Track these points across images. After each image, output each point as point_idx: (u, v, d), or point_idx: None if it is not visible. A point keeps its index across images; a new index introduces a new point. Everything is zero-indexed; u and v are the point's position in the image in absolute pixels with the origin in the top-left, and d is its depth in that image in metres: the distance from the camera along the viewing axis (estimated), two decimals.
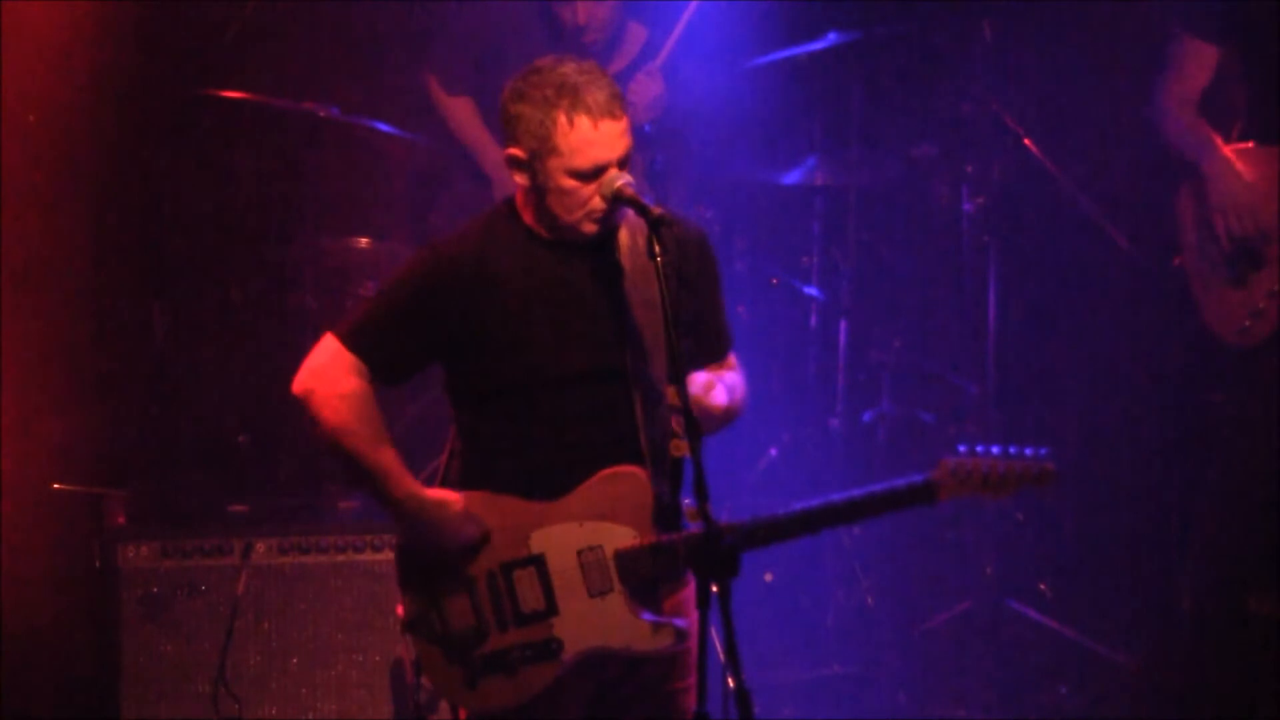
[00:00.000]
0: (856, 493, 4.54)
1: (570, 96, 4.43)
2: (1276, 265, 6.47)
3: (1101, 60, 7.81)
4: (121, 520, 6.40)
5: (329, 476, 6.82)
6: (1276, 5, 6.47)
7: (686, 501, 4.53)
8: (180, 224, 7.60)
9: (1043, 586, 7.55)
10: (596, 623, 4.52)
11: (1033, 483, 4.51)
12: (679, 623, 4.54)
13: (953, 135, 7.84)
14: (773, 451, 7.75)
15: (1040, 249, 7.92)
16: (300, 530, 6.27)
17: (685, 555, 4.49)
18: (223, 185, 7.64)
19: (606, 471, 4.54)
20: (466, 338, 4.56)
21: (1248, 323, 6.51)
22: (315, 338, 4.65)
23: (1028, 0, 7.79)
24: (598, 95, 4.43)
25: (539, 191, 4.52)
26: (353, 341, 4.57)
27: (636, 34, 7.50)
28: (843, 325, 7.86)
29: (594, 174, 4.45)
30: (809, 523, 4.53)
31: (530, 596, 4.54)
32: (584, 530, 4.53)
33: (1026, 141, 7.59)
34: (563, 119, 4.43)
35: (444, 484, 4.66)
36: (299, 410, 4.58)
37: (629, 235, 4.60)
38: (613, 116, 4.44)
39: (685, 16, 7.46)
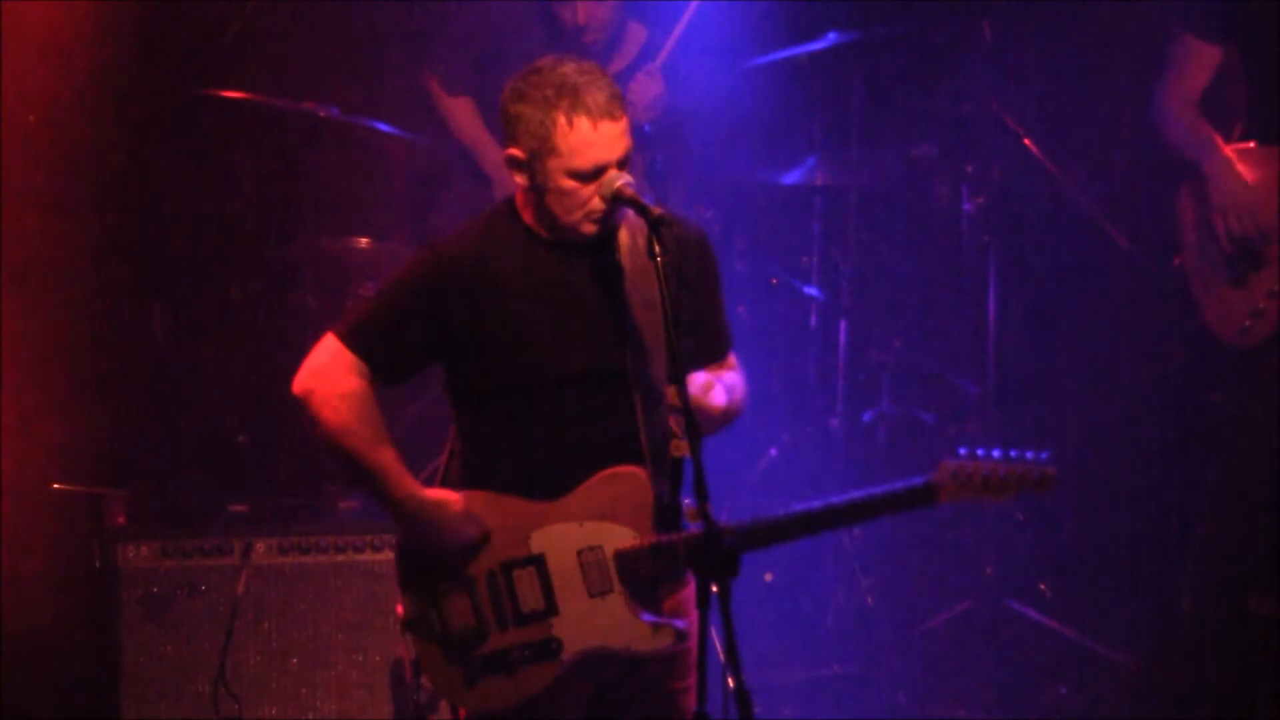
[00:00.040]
0: (856, 494, 4.54)
1: (570, 97, 4.43)
2: (1277, 265, 6.47)
3: (1101, 60, 7.81)
4: (121, 520, 6.40)
5: (329, 476, 6.82)
6: (1277, 5, 6.47)
7: (686, 501, 4.53)
8: (180, 224, 7.60)
9: (1043, 586, 7.55)
10: (596, 623, 4.52)
11: (1033, 486, 4.51)
12: (679, 623, 4.54)
13: (953, 135, 7.84)
14: (773, 451, 7.75)
15: (1040, 249, 7.92)
16: (300, 530, 6.27)
17: (685, 555, 4.49)
18: (223, 185, 7.64)
19: (606, 471, 4.54)
20: (466, 338, 4.56)
21: (1248, 323, 6.51)
22: (315, 338, 4.66)
23: (1028, 0, 7.79)
24: (597, 96, 4.43)
25: (538, 192, 4.52)
26: (353, 341, 4.57)
27: (636, 34, 7.50)
28: (843, 325, 7.86)
29: (593, 174, 4.45)
30: (809, 524, 4.53)
31: (530, 596, 4.54)
32: (584, 530, 4.53)
33: (1026, 141, 7.59)
34: (562, 119, 4.43)
35: (444, 484, 4.66)
36: (299, 410, 4.58)
37: (629, 235, 4.60)
38: (612, 117, 4.44)
39: (685, 16, 7.46)
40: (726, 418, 4.62)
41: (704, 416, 4.48)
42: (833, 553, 7.56)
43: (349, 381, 4.55)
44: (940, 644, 7.44)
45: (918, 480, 4.52)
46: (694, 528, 4.46)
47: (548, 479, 4.55)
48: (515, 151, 4.50)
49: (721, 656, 4.29)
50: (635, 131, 4.59)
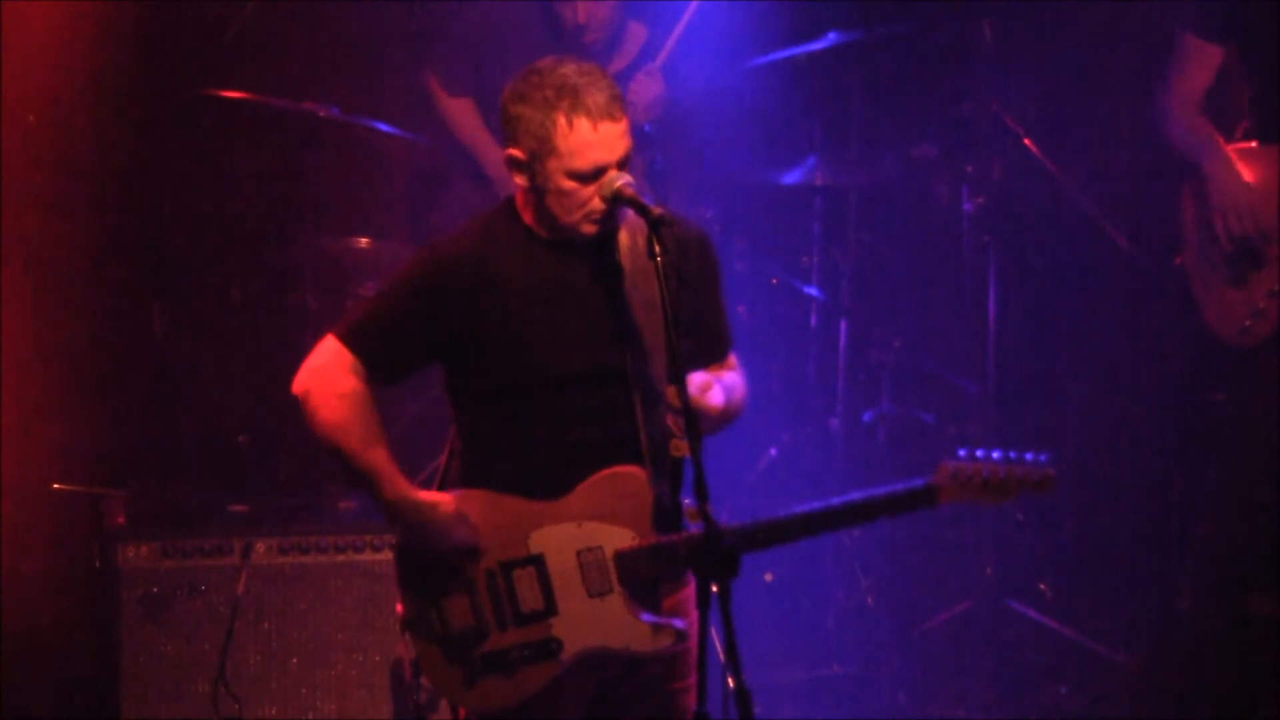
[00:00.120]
0: (856, 496, 4.54)
1: (570, 98, 4.43)
2: (1277, 265, 6.47)
3: (1101, 60, 7.81)
4: (121, 520, 6.39)
5: (329, 476, 6.82)
6: (1278, 4, 6.47)
7: (686, 502, 4.53)
8: (180, 224, 7.60)
9: (1043, 586, 7.55)
10: (596, 623, 4.52)
11: (1033, 488, 4.51)
12: (678, 623, 4.54)
13: (953, 135, 7.84)
14: (773, 451, 7.75)
15: (1040, 249, 7.92)
16: (300, 530, 6.27)
17: (685, 556, 4.49)
18: (223, 185, 7.64)
19: (606, 472, 4.54)
20: (466, 338, 4.56)
21: (1248, 322, 6.51)
22: (315, 338, 4.66)
23: (1028, 0, 7.79)
24: (597, 97, 4.43)
25: (538, 192, 4.52)
26: (352, 341, 4.57)
27: (636, 33, 7.50)
28: (843, 325, 7.86)
29: (593, 175, 4.45)
30: (809, 525, 4.53)
31: (529, 596, 4.54)
32: (583, 531, 4.53)
33: (1026, 141, 7.59)
34: (562, 120, 4.43)
35: (444, 484, 4.67)
36: (298, 410, 4.58)
37: (629, 235, 4.60)
38: (612, 118, 4.44)
39: (685, 16, 7.46)
40: (725, 418, 4.62)
41: (702, 417, 4.48)
42: (833, 553, 7.56)
43: (347, 382, 4.55)
44: (940, 644, 7.44)
45: (918, 482, 4.52)
46: (694, 528, 4.46)
47: (547, 479, 4.55)
48: (515, 152, 4.50)
49: (721, 656, 4.29)
50: (635, 131, 4.59)
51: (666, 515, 4.57)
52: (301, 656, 6.21)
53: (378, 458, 4.55)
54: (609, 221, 4.53)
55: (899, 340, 7.92)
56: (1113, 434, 7.78)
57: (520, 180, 4.54)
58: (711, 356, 4.73)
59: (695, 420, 4.35)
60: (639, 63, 7.44)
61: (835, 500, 4.54)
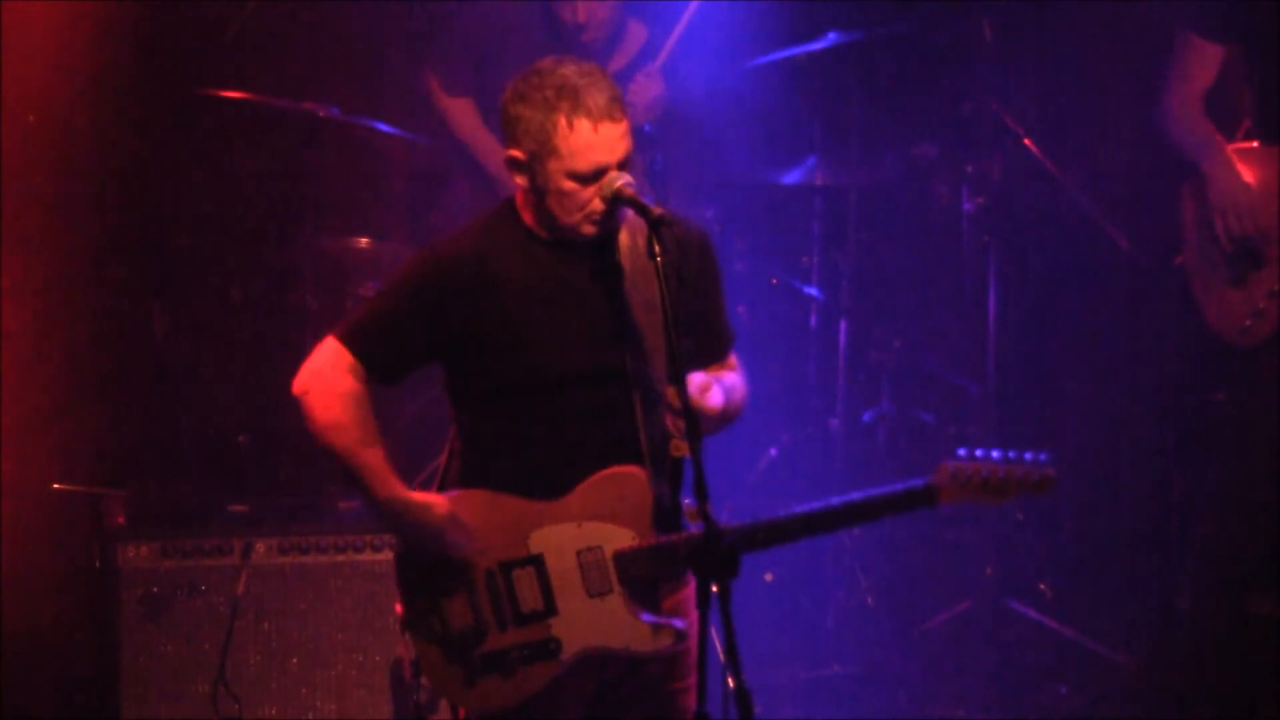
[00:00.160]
0: (856, 496, 4.54)
1: (571, 99, 4.43)
2: (1277, 265, 6.47)
3: (1101, 60, 7.81)
4: (121, 520, 6.39)
5: (329, 476, 6.81)
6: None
7: (686, 502, 4.53)
8: (180, 224, 7.60)
9: (1043, 586, 7.55)
10: (595, 623, 4.52)
11: (1033, 488, 4.51)
12: (678, 623, 4.54)
13: (953, 135, 7.84)
14: (773, 451, 7.75)
15: (1040, 249, 7.92)
16: (300, 530, 6.27)
17: (685, 556, 4.49)
18: (223, 185, 7.63)
19: (606, 472, 4.54)
20: (466, 338, 4.56)
21: (1248, 322, 6.51)
22: (315, 338, 4.67)
23: (1028, 0, 7.79)
24: (598, 98, 4.43)
25: (539, 193, 4.52)
26: (351, 342, 4.57)
27: (636, 32, 7.50)
28: (843, 325, 7.86)
29: (594, 176, 4.45)
30: (809, 525, 4.53)
31: (529, 596, 4.54)
32: (583, 531, 4.53)
33: (1026, 141, 7.59)
34: (563, 121, 4.43)
35: (444, 484, 4.67)
36: (297, 409, 4.59)
37: (629, 235, 4.60)
38: (613, 119, 4.44)
39: (685, 16, 7.45)
40: (725, 419, 4.61)
41: (702, 418, 4.48)
42: (833, 553, 7.56)
43: (345, 382, 4.55)
44: (940, 644, 7.44)
45: (918, 482, 4.52)
46: (694, 528, 4.46)
47: (547, 479, 4.55)
48: (515, 153, 4.50)
49: (721, 656, 4.29)
50: (635, 132, 4.59)
51: (666, 515, 4.57)
52: (301, 656, 6.21)
53: (372, 458, 4.55)
54: (609, 222, 4.53)
55: (899, 340, 7.92)
56: (1113, 434, 7.78)
57: (520, 181, 4.54)
58: (712, 356, 4.73)
59: (695, 420, 4.35)
60: (639, 62, 7.44)
61: (835, 500, 4.54)
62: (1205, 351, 6.72)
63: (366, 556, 6.24)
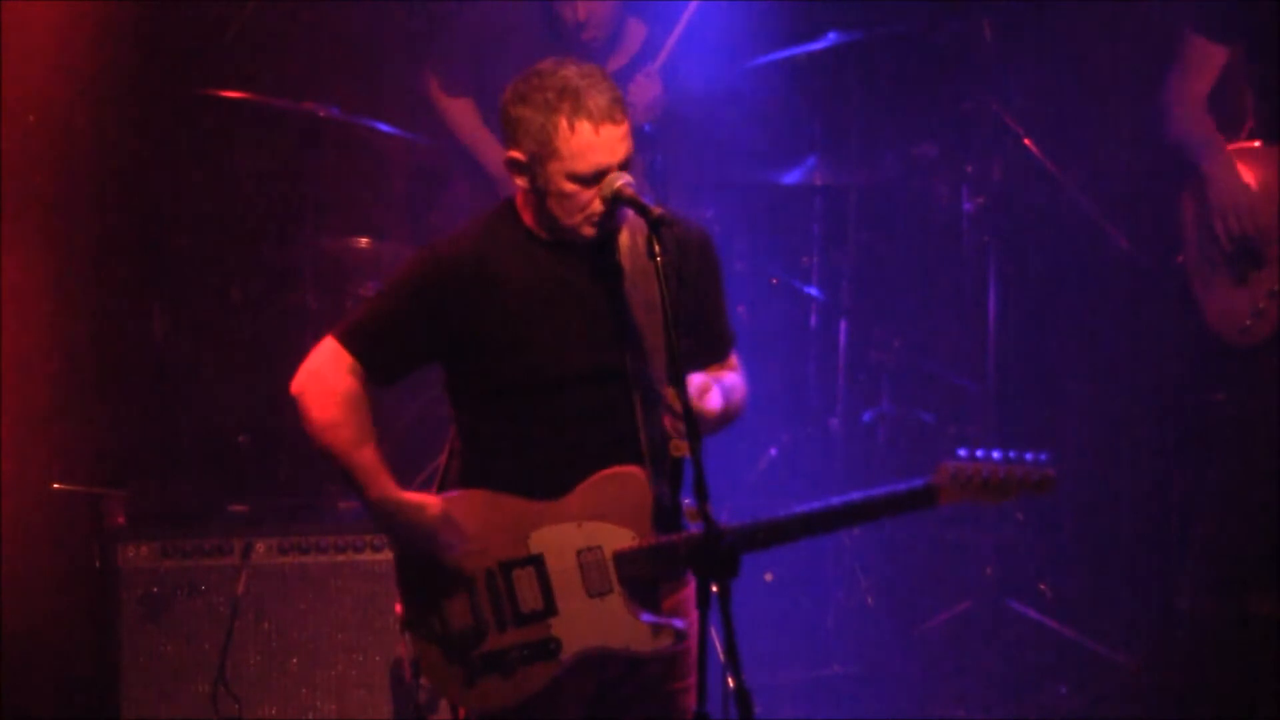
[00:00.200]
0: (856, 496, 4.54)
1: (572, 101, 4.42)
2: (1277, 265, 6.47)
3: (1101, 60, 7.81)
4: (121, 520, 6.39)
5: (329, 476, 6.81)
6: None
7: (686, 502, 4.53)
8: (180, 224, 7.60)
9: (1043, 586, 7.55)
10: (595, 623, 4.52)
11: (1033, 488, 4.51)
12: (678, 623, 4.54)
13: (953, 135, 7.84)
14: (773, 451, 7.75)
15: (1040, 249, 7.92)
16: (300, 530, 6.27)
17: (685, 556, 4.49)
18: (223, 185, 7.63)
19: (606, 472, 4.54)
20: (466, 338, 4.56)
21: (1249, 322, 6.51)
22: (315, 338, 4.67)
23: (1028, 0, 7.79)
24: (599, 99, 4.43)
25: (539, 194, 4.52)
26: (350, 342, 4.57)
27: (636, 31, 7.50)
28: (843, 325, 7.86)
29: (594, 178, 4.45)
30: (809, 525, 4.53)
31: (529, 596, 4.54)
32: (583, 531, 4.53)
33: (1026, 141, 7.59)
34: (564, 123, 4.43)
35: (444, 484, 4.66)
36: (295, 409, 4.58)
37: (629, 236, 4.60)
38: (614, 121, 4.44)
39: (685, 16, 7.45)
40: (725, 420, 4.61)
41: (701, 419, 4.47)
42: (833, 553, 7.55)
43: (343, 382, 4.55)
44: (940, 644, 7.44)
45: (918, 482, 4.52)
46: (694, 528, 4.46)
47: (547, 479, 4.55)
48: (516, 154, 4.50)
49: (721, 656, 4.29)
50: (635, 132, 4.58)
51: (666, 515, 4.57)
52: (301, 656, 6.21)
53: (366, 458, 4.54)
54: (609, 223, 4.53)
55: (899, 340, 7.92)
56: (1113, 434, 7.78)
57: (521, 182, 4.54)
58: (712, 356, 4.73)
59: (695, 421, 4.35)
60: (639, 61, 7.44)
61: (835, 500, 4.53)
62: (1205, 351, 6.72)
63: (366, 556, 6.23)
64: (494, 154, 7.12)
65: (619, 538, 4.52)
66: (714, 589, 4.23)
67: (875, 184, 7.88)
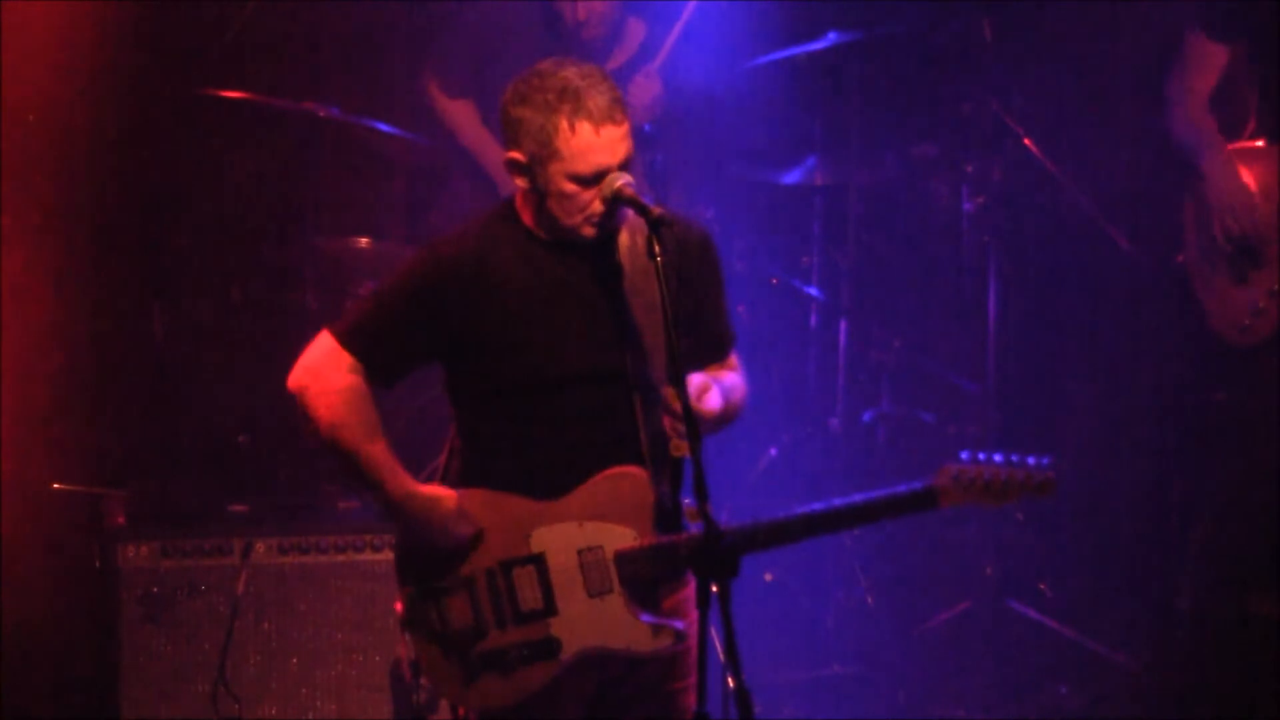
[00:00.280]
0: (858, 498, 4.54)
1: (572, 101, 4.42)
2: (1277, 264, 6.47)
3: (1101, 60, 7.81)
4: (121, 520, 6.39)
5: (329, 476, 6.82)
6: None
7: (686, 502, 4.53)
8: (180, 224, 7.60)
9: (1043, 586, 7.55)
10: (595, 623, 4.52)
11: (1033, 491, 4.51)
12: (678, 624, 4.54)
13: (953, 135, 7.84)
14: (773, 451, 7.75)
15: (1040, 249, 7.92)
16: (300, 530, 6.27)
17: (685, 556, 4.49)
18: (223, 185, 7.63)
19: (608, 472, 4.54)
20: (466, 338, 4.56)
21: (1249, 322, 6.51)
22: (314, 338, 4.65)
23: (1028, 0, 7.79)
24: (599, 100, 4.43)
25: (539, 195, 4.51)
26: (350, 341, 4.57)
27: (636, 30, 7.49)
28: (843, 325, 7.85)
29: (595, 179, 4.45)
30: (810, 526, 4.53)
31: (529, 595, 4.54)
32: (584, 530, 4.53)
33: (1026, 141, 7.59)
34: (564, 124, 4.43)
35: (443, 483, 4.66)
36: (293, 406, 4.58)
37: (629, 236, 4.60)
38: (614, 121, 4.44)
39: (684, 16, 7.45)
40: (724, 419, 4.61)
41: (700, 420, 4.47)
42: (833, 552, 7.55)
43: (344, 379, 4.55)
44: (940, 644, 7.44)
45: (919, 484, 4.52)
46: (694, 528, 4.46)
47: (547, 479, 4.55)
48: (516, 155, 4.50)
49: (721, 656, 4.29)
50: (635, 132, 4.58)
51: (667, 515, 4.57)
52: (301, 656, 6.21)
53: (378, 453, 4.54)
54: (609, 223, 4.53)
55: (899, 340, 7.92)
56: (1113, 434, 7.78)
57: (521, 182, 4.54)
58: (712, 356, 4.73)
59: (694, 420, 4.35)
60: (638, 59, 7.44)
61: (836, 501, 4.54)
62: (1205, 351, 6.73)
63: (366, 556, 6.24)
64: (494, 154, 7.11)
65: (620, 537, 4.52)
66: (714, 589, 4.23)
67: (875, 184, 7.88)
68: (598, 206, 4.48)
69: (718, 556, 4.22)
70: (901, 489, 4.53)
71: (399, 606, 4.62)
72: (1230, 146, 6.60)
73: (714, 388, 4.53)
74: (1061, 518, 7.76)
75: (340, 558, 6.23)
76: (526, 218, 4.59)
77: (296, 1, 7.70)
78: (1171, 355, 7.39)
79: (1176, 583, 7.05)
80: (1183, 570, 6.99)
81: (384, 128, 7.19)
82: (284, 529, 6.27)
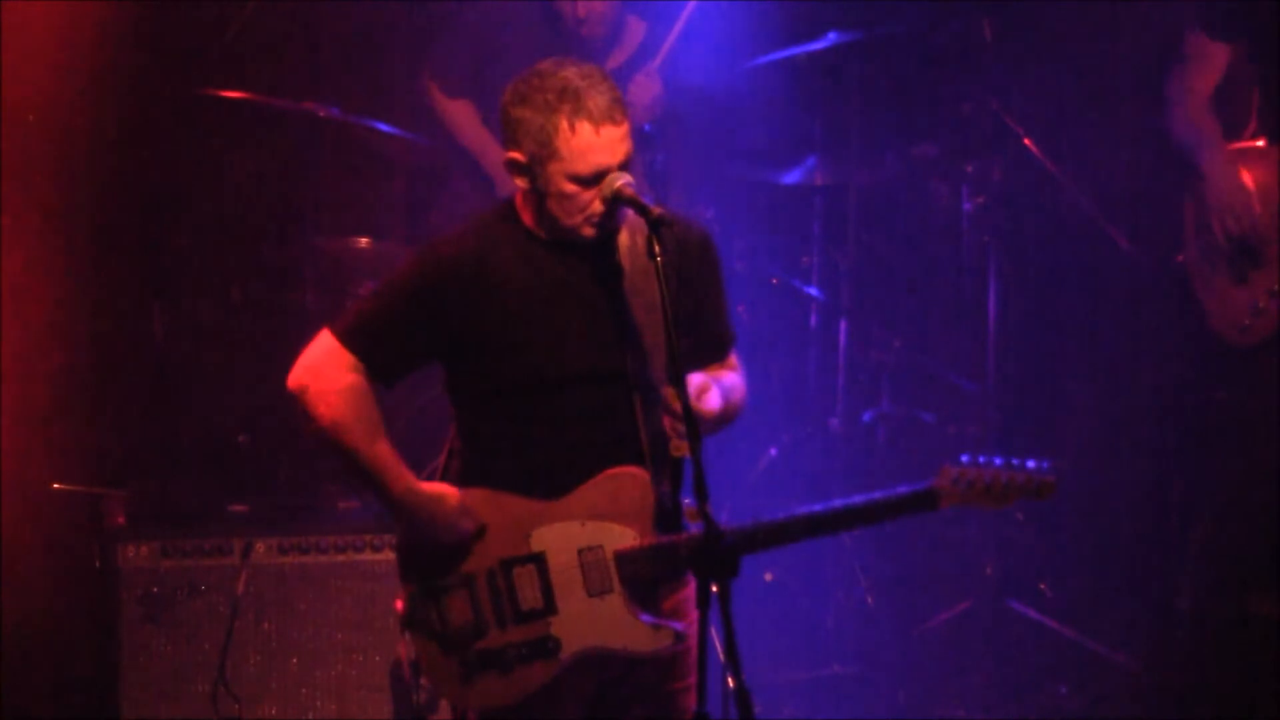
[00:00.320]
0: (858, 499, 4.54)
1: (572, 101, 4.42)
2: (1277, 264, 6.47)
3: (1101, 60, 7.81)
4: (121, 520, 6.39)
5: (329, 476, 6.82)
6: None
7: (686, 502, 4.53)
8: (180, 224, 7.60)
9: (1043, 586, 7.55)
10: (595, 623, 4.52)
11: (1033, 495, 4.54)
12: (677, 624, 4.54)
13: (953, 135, 7.84)
14: (773, 451, 7.75)
15: (1040, 249, 7.92)
16: (300, 530, 6.27)
17: (685, 556, 4.49)
18: (223, 185, 7.63)
19: (608, 472, 4.54)
20: (466, 338, 4.56)
21: (1249, 321, 6.51)
22: (315, 337, 4.65)
23: (1028, 0, 7.79)
24: (599, 100, 4.43)
25: (539, 195, 4.51)
26: (350, 340, 4.57)
27: (635, 29, 7.50)
28: (843, 325, 7.85)
29: (595, 179, 4.45)
30: (810, 527, 4.53)
31: (529, 595, 4.54)
32: (585, 530, 4.53)
33: (1026, 141, 7.59)
34: (564, 124, 4.43)
35: (444, 482, 4.66)
36: (294, 406, 4.57)
37: (629, 235, 4.60)
38: (614, 121, 4.44)
39: (684, 16, 7.45)
40: (724, 419, 4.61)
41: (700, 420, 4.47)
42: (833, 552, 7.55)
43: (345, 378, 4.55)
44: (940, 644, 7.44)
45: (919, 485, 4.53)
46: (694, 528, 4.46)
47: (548, 479, 4.55)
48: (516, 155, 4.50)
49: (721, 656, 4.29)
50: (635, 132, 4.58)
51: (667, 515, 4.57)
52: (301, 656, 6.21)
53: (382, 451, 4.54)
54: (609, 223, 4.53)
55: (899, 340, 7.92)
56: (1113, 434, 7.78)
57: (521, 183, 4.54)
58: (712, 356, 4.73)
59: (694, 420, 4.35)
60: (638, 58, 7.44)
61: (836, 502, 4.54)
62: (1205, 351, 6.72)
63: (366, 556, 6.24)
64: (494, 154, 7.11)
65: (620, 537, 4.52)
66: (714, 589, 4.23)
67: (875, 184, 7.88)
68: (598, 206, 4.48)
69: (718, 556, 4.22)
70: (902, 490, 4.54)
71: (399, 605, 4.62)
72: (1230, 146, 6.60)
73: (714, 388, 4.53)
74: (1061, 518, 7.76)
75: (340, 558, 6.23)
76: (526, 218, 4.59)
77: (296, 1, 7.70)
78: (1171, 355, 7.39)
79: (1176, 583, 7.05)
80: (1183, 570, 6.99)
81: (384, 128, 7.19)
82: (284, 529, 6.26)
